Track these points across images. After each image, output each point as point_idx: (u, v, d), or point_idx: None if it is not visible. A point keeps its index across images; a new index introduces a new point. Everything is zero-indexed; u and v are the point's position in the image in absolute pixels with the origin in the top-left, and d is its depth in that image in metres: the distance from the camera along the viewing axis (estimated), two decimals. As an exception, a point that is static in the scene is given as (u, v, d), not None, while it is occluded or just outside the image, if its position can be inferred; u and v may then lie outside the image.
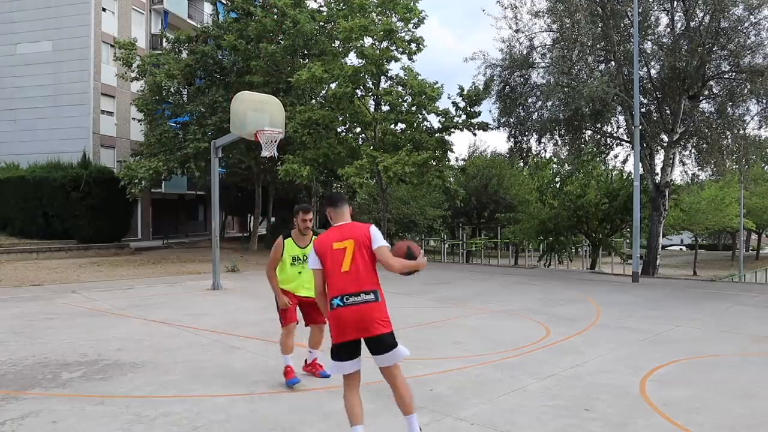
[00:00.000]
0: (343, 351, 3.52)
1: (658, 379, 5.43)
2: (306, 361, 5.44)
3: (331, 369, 3.67)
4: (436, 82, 20.17)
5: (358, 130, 23.77)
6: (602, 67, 18.37)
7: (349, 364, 3.55)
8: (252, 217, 30.44)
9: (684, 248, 65.21)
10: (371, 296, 3.46)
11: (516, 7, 18.03)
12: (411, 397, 3.57)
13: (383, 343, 3.49)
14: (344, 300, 3.44)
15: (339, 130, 23.08)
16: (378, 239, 3.56)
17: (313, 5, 23.59)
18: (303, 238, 5.22)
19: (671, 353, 6.44)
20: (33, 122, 25.46)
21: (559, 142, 20.28)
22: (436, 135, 21.23)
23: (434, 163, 20.91)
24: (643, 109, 17.72)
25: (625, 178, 24.49)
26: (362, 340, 3.52)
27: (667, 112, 18.02)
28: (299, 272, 5.18)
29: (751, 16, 15.46)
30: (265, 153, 11.15)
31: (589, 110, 17.46)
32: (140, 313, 8.83)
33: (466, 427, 4.17)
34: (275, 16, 21.37)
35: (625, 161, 22.59)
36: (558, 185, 27.54)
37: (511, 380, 5.32)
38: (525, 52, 18.51)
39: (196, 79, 23.24)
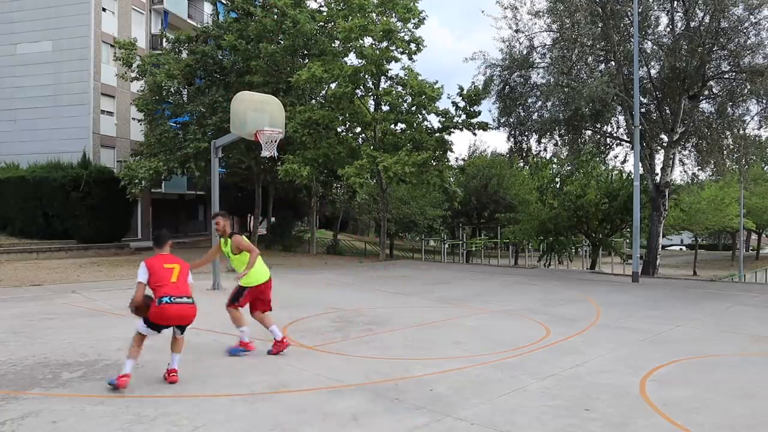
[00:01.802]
0: (159, 328, 5.01)
1: (658, 379, 5.43)
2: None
3: (144, 330, 4.98)
4: (436, 82, 20.20)
5: (358, 130, 23.77)
6: (602, 67, 18.37)
7: (155, 334, 5.04)
8: (252, 217, 30.44)
9: (684, 248, 65.19)
10: (191, 300, 5.05)
11: (516, 8, 18.04)
12: (182, 345, 5.25)
13: (185, 327, 5.17)
14: (172, 299, 4.91)
15: (339, 130, 23.08)
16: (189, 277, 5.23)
17: (313, 5, 23.59)
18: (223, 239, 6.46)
19: (671, 353, 6.44)
20: (33, 122, 25.44)
21: (559, 143, 20.29)
22: (436, 135, 21.24)
23: (434, 163, 20.92)
24: (643, 109, 17.71)
25: (625, 178, 24.50)
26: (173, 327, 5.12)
27: (667, 112, 18.02)
28: (234, 264, 6.40)
29: (751, 16, 15.46)
30: (265, 153, 11.13)
31: (589, 110, 17.45)
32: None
33: (466, 427, 4.16)
34: (275, 16, 21.37)
35: (624, 161, 22.61)
36: (558, 185, 27.55)
37: (511, 380, 5.32)
38: (525, 52, 18.50)
39: (196, 79, 23.23)
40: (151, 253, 5.60)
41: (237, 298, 6.18)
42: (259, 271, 6.20)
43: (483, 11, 28.03)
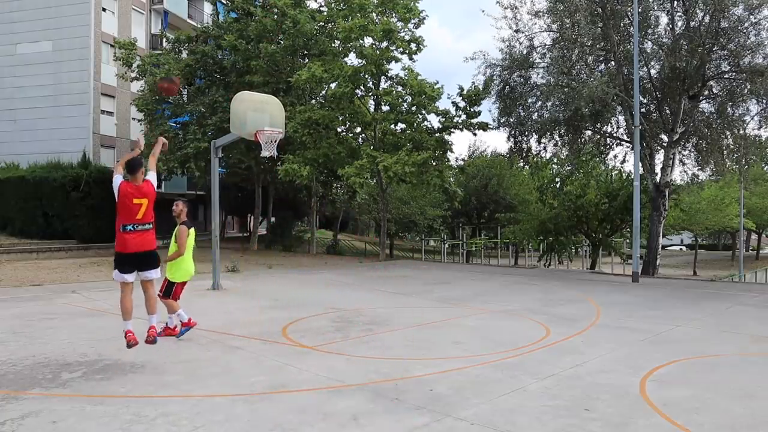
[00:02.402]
0: (126, 263, 5.49)
1: (658, 379, 5.43)
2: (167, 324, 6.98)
3: (116, 276, 5.56)
4: (437, 82, 20.22)
5: (358, 130, 23.78)
6: (602, 67, 18.38)
7: (129, 276, 5.54)
8: (252, 217, 30.43)
9: (684, 248, 65.21)
10: (149, 226, 5.60)
11: (516, 8, 18.06)
12: (155, 305, 5.80)
13: (152, 257, 5.60)
14: (135, 227, 5.49)
15: (339, 130, 23.08)
16: (155, 183, 5.73)
17: (313, 5, 23.61)
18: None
19: (671, 353, 6.44)
20: (33, 122, 25.44)
21: (559, 143, 20.29)
22: (436, 135, 21.24)
23: (434, 163, 20.93)
24: (643, 109, 17.72)
25: (625, 178, 24.50)
26: (138, 257, 5.52)
27: (667, 112, 18.02)
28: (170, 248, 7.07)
29: (751, 16, 15.47)
30: (265, 153, 11.13)
31: (589, 110, 17.46)
32: (140, 313, 8.81)
33: (466, 427, 4.16)
34: (275, 16, 21.38)
35: (624, 161, 22.65)
36: (558, 185, 27.54)
37: (511, 380, 5.32)
38: (525, 52, 18.52)
39: (196, 79, 23.24)
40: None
41: (169, 292, 6.90)
42: (187, 270, 7.08)
43: (483, 11, 28.15)
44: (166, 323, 6.94)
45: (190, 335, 7.24)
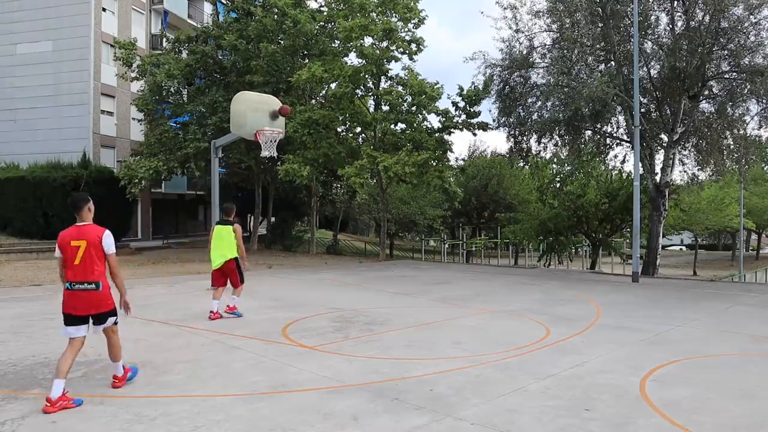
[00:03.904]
0: (69, 320, 4.68)
1: (658, 379, 5.43)
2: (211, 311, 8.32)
3: (62, 331, 4.75)
4: (437, 82, 20.20)
5: (358, 130, 23.78)
6: (602, 67, 18.36)
7: (74, 329, 4.68)
8: (252, 217, 30.43)
9: (684, 248, 65.22)
10: (93, 286, 4.66)
11: (516, 8, 18.04)
12: (119, 352, 4.93)
13: (101, 317, 4.73)
14: (72, 285, 4.67)
15: (339, 130, 23.07)
16: (110, 246, 4.84)
17: (314, 5, 23.60)
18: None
19: (671, 353, 6.44)
20: (33, 122, 25.45)
21: (559, 143, 20.28)
22: (436, 135, 21.23)
23: (434, 163, 20.93)
24: (643, 109, 17.71)
25: (625, 178, 24.49)
26: (82, 318, 4.68)
27: (667, 112, 18.02)
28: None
29: (751, 16, 15.45)
30: (265, 153, 11.16)
31: (589, 110, 17.45)
32: (140, 313, 8.81)
33: (466, 427, 4.17)
34: (275, 16, 21.37)
35: (624, 161, 22.62)
36: (558, 185, 27.53)
37: (511, 380, 5.32)
38: (525, 52, 18.50)
39: (196, 79, 23.24)
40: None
41: None
42: (212, 259, 8.54)
43: (482, 12, 28.19)
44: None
45: (189, 335, 7.25)
